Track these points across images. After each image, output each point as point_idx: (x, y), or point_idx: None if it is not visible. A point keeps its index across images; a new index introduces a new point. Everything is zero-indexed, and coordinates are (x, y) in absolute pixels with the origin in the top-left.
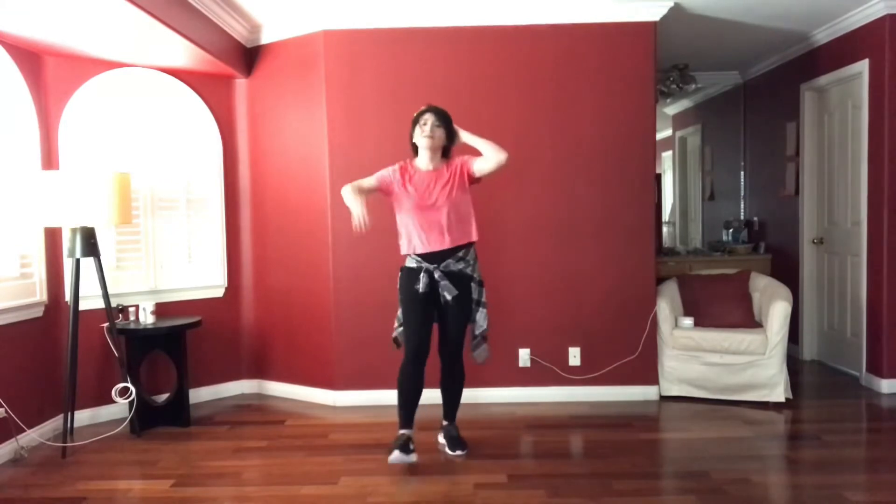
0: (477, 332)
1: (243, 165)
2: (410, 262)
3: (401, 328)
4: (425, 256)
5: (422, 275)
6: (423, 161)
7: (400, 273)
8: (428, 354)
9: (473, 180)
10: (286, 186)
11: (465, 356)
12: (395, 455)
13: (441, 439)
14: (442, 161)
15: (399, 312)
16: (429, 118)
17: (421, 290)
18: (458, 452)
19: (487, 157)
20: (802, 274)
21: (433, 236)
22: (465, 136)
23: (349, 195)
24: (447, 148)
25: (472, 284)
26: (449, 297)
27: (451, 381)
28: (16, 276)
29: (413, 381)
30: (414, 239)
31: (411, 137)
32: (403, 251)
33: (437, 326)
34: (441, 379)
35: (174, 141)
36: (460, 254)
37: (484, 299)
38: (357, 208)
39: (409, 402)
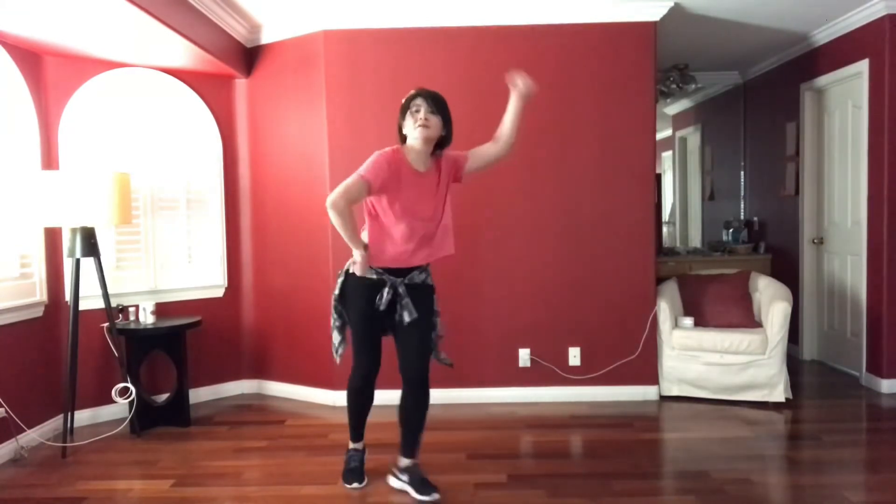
0: (434, 337)
1: (243, 165)
2: (369, 272)
3: (340, 340)
4: (392, 269)
5: (386, 289)
6: (415, 156)
7: (345, 280)
8: (378, 371)
9: (457, 180)
10: (286, 186)
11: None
12: (354, 486)
13: (397, 482)
14: (432, 159)
15: (333, 321)
16: (421, 103)
17: (382, 308)
18: (435, 497)
19: (501, 143)
20: (802, 274)
21: (413, 249)
22: (509, 114)
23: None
24: (440, 144)
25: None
26: (407, 320)
27: (415, 408)
28: (16, 276)
29: (366, 399)
30: (390, 250)
31: (400, 128)
32: (374, 263)
33: (397, 346)
34: (402, 407)
35: (174, 141)
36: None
37: (437, 307)
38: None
39: (362, 416)
